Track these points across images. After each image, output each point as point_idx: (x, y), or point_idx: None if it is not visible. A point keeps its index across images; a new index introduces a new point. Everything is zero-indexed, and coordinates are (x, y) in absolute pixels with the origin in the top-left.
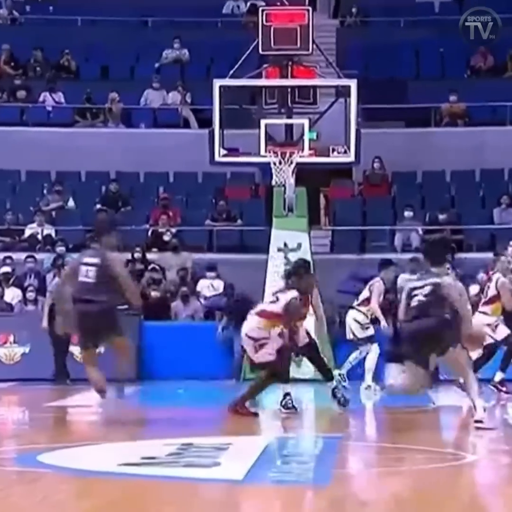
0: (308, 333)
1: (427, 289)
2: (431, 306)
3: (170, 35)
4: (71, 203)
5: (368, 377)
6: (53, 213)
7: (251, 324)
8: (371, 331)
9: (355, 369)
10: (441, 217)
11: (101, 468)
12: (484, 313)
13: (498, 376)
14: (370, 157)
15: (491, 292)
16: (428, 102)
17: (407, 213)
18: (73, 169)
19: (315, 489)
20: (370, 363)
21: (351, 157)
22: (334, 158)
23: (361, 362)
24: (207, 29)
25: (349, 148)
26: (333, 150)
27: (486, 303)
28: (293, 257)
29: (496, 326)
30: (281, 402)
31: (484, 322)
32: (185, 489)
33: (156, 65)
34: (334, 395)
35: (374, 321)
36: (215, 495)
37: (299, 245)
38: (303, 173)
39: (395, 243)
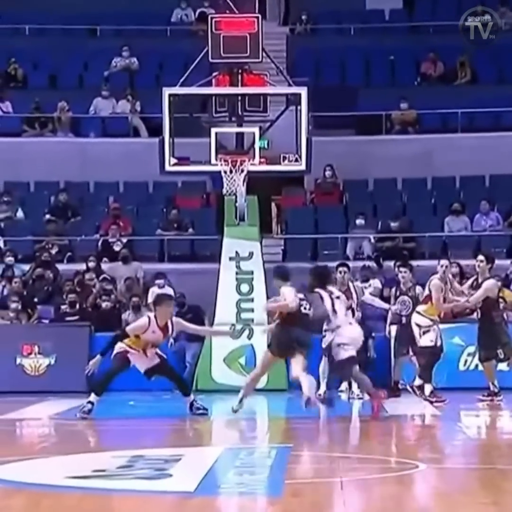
0: (157, 353)
1: None
2: None
3: (118, 43)
4: (20, 213)
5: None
6: (2, 223)
7: None
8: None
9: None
10: (393, 225)
11: (51, 481)
12: (418, 312)
13: (418, 381)
14: (322, 165)
15: (425, 292)
16: (379, 109)
17: (359, 221)
18: (22, 179)
19: (267, 500)
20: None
21: (302, 166)
22: (285, 166)
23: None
24: (156, 37)
25: (300, 156)
26: (284, 158)
27: (421, 303)
28: (245, 266)
29: (425, 332)
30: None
31: (415, 321)
32: (136, 501)
33: (105, 73)
34: (191, 408)
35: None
36: (166, 507)
37: (251, 254)
38: (254, 182)
39: (347, 251)
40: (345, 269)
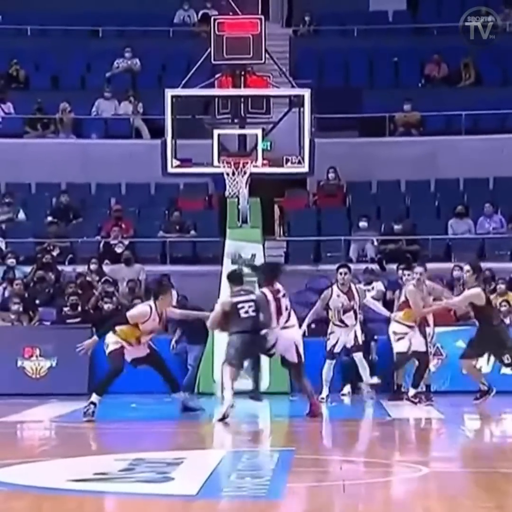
0: (149, 346)
1: None
2: None
3: (121, 45)
4: (21, 215)
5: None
6: (3, 225)
7: None
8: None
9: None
10: (396, 227)
11: (53, 484)
12: (395, 320)
13: (412, 391)
14: (325, 167)
15: (401, 299)
16: (382, 111)
17: (362, 224)
18: (23, 180)
19: (269, 504)
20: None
21: (305, 168)
22: (288, 168)
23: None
24: (159, 38)
25: (303, 158)
26: (287, 160)
27: (397, 310)
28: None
29: (400, 339)
30: None
31: (392, 329)
32: (138, 505)
33: (107, 74)
34: (184, 407)
35: None
36: (168, 511)
37: (253, 256)
38: (257, 184)
39: (350, 254)
40: (346, 270)
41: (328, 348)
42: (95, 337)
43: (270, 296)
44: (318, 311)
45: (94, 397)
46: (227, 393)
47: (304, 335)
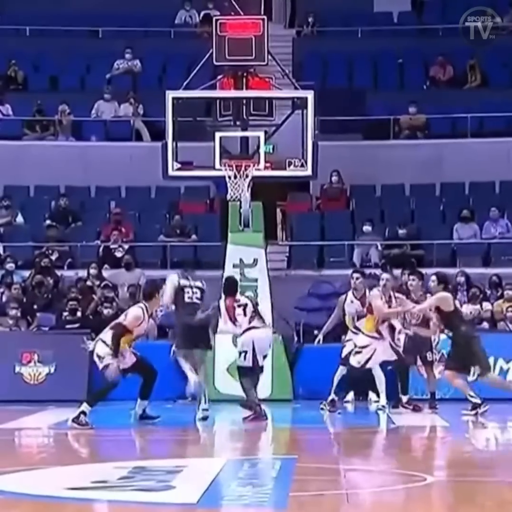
0: (134, 353)
1: None
2: None
3: (121, 45)
4: (20, 218)
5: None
6: (1, 228)
7: None
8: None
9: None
10: (401, 231)
11: (51, 492)
12: (362, 332)
13: (404, 398)
14: (328, 170)
15: (366, 305)
16: (387, 113)
17: (366, 228)
18: (22, 183)
19: None
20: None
21: (308, 171)
22: (291, 171)
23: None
24: (160, 39)
25: (306, 161)
26: (290, 163)
27: (359, 318)
28: (249, 273)
29: (357, 353)
30: None
31: (354, 340)
32: None
33: (107, 76)
34: (141, 416)
35: None
36: None
37: (255, 261)
38: (259, 187)
39: (354, 259)
40: (358, 275)
41: (343, 355)
42: (114, 362)
43: (222, 306)
44: (337, 317)
45: (85, 407)
46: (189, 374)
47: (318, 342)
